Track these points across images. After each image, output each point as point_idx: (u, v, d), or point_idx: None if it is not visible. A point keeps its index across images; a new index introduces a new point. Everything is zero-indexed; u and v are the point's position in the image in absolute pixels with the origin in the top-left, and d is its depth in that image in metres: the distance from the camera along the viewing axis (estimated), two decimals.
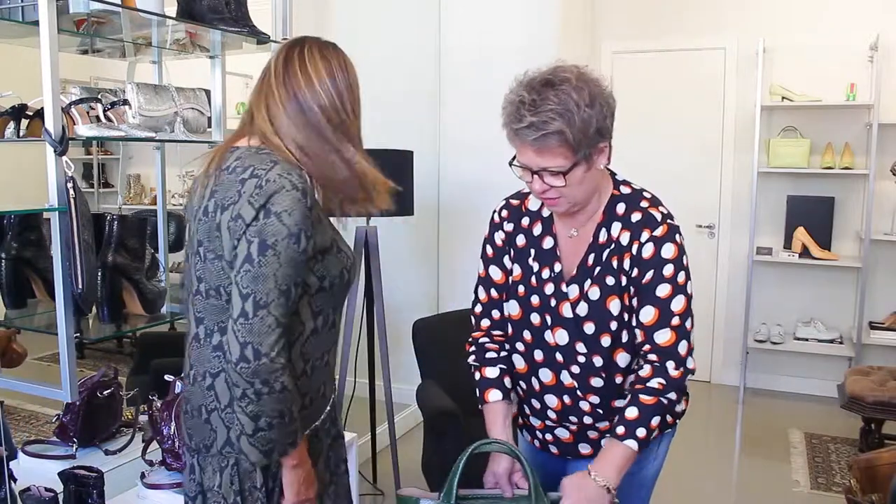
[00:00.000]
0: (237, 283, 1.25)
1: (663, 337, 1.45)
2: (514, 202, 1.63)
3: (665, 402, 1.44)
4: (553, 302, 1.52)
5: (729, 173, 4.83)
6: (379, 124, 3.91)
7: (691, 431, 4.20)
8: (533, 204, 1.60)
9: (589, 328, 1.49)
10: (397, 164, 3.00)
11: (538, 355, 1.56)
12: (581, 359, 1.51)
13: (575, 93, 1.36)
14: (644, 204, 1.50)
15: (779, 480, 3.50)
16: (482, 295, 1.66)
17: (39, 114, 1.70)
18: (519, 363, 1.61)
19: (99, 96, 1.87)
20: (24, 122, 1.79)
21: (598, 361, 1.50)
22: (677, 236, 1.48)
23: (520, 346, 1.60)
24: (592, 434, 1.59)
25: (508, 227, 1.62)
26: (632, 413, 1.43)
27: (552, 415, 1.59)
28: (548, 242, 1.56)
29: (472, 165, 4.04)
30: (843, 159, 4.43)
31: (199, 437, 1.40)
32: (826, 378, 4.60)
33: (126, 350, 3.93)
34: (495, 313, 1.65)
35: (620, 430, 1.43)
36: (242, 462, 1.35)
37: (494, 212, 1.66)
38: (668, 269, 1.45)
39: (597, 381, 1.51)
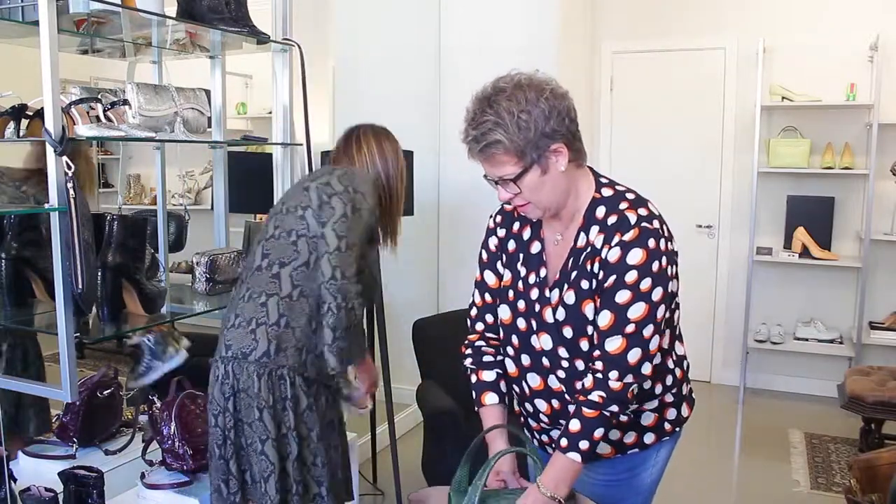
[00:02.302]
0: (334, 230, 1.73)
1: (613, 344, 1.41)
2: (508, 207, 1.62)
3: (607, 414, 1.41)
4: (537, 307, 1.53)
5: (729, 173, 4.83)
6: (379, 124, 3.94)
7: (691, 431, 4.18)
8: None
9: (568, 332, 1.48)
10: None
11: (525, 360, 1.57)
12: (565, 363, 1.50)
13: (507, 101, 1.39)
14: (623, 206, 1.46)
15: (779, 480, 3.50)
16: (478, 299, 1.68)
17: (39, 114, 1.70)
18: (510, 367, 1.62)
19: (99, 96, 1.87)
20: (24, 122, 1.79)
21: (580, 365, 1.48)
22: (651, 241, 1.41)
23: (510, 350, 1.60)
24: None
25: (501, 232, 1.64)
26: (574, 426, 1.42)
27: (544, 418, 1.59)
28: (535, 247, 1.57)
29: (472, 165, 4.01)
30: (843, 159, 4.43)
31: (239, 346, 1.75)
32: (826, 378, 4.60)
33: (126, 350, 3.93)
34: (489, 317, 1.66)
35: (563, 442, 1.43)
36: (275, 372, 1.74)
37: (490, 217, 1.68)
38: (632, 276, 1.40)
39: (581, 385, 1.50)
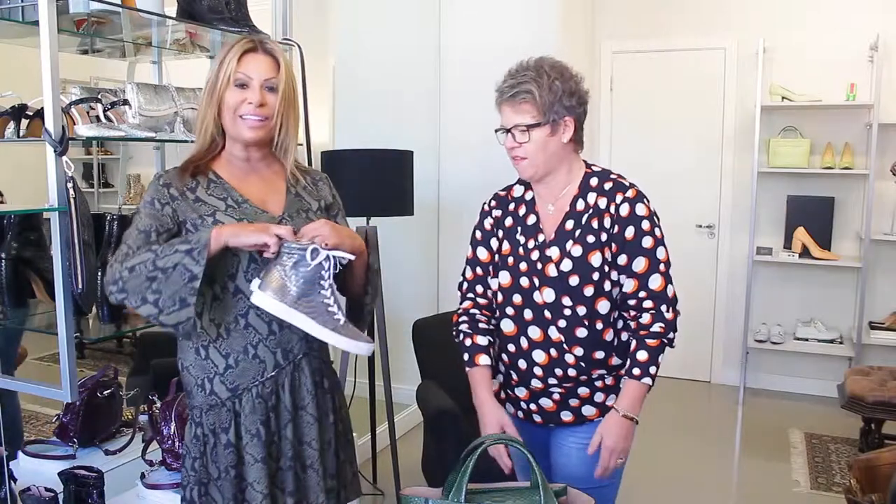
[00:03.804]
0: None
1: (656, 282, 1.69)
2: (501, 193, 1.88)
3: (666, 341, 1.70)
4: (539, 265, 1.74)
5: (729, 173, 4.83)
6: (379, 124, 3.95)
7: (691, 431, 4.21)
8: (517, 191, 1.85)
9: (573, 281, 1.70)
10: (397, 164, 3.00)
11: (528, 314, 1.75)
12: (567, 311, 1.71)
13: (549, 67, 1.69)
14: (613, 176, 1.77)
15: (779, 480, 3.50)
16: (469, 273, 1.88)
17: (39, 114, 1.70)
18: (508, 326, 1.79)
19: (99, 96, 1.87)
20: (24, 122, 1.79)
21: (581, 311, 1.70)
22: (645, 200, 1.72)
23: (510, 310, 1.78)
24: (574, 402, 1.77)
25: (497, 213, 1.86)
26: (643, 356, 1.68)
27: (538, 371, 1.75)
28: (531, 219, 1.80)
29: (472, 165, 4.04)
30: (843, 159, 4.43)
31: None
32: (826, 378, 4.60)
33: (126, 350, 3.93)
34: (479, 288, 1.87)
35: (636, 371, 1.69)
36: (191, 416, 1.60)
37: (484, 203, 1.90)
38: (646, 224, 1.70)
39: (581, 332, 1.71)
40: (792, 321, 4.73)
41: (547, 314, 1.72)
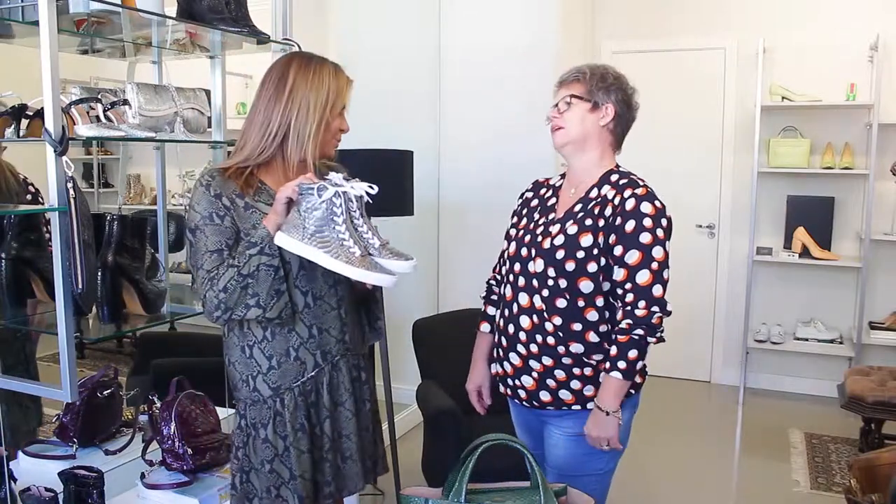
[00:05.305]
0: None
1: (643, 277, 1.74)
2: (541, 180, 2.08)
3: (636, 337, 1.74)
4: (539, 238, 1.88)
5: (729, 173, 4.83)
6: (379, 124, 3.95)
7: (691, 431, 4.21)
8: (553, 180, 2.04)
9: (560, 254, 1.81)
10: (397, 164, 3.00)
11: (521, 281, 1.89)
12: (550, 282, 1.82)
13: (611, 69, 1.91)
14: (632, 176, 1.86)
15: (779, 480, 3.50)
16: (503, 246, 2.05)
17: (39, 114, 1.69)
18: (507, 292, 1.94)
19: (99, 96, 1.87)
20: (24, 122, 1.79)
21: (563, 283, 1.81)
22: (657, 201, 1.78)
23: (511, 277, 1.94)
24: (551, 383, 1.86)
25: (529, 194, 2.07)
26: (613, 350, 1.76)
27: (522, 336, 1.87)
28: (551, 201, 1.97)
29: (472, 165, 4.04)
30: (843, 159, 4.44)
31: None
32: (826, 378, 4.60)
33: (126, 350, 3.93)
34: (502, 261, 2.06)
35: (607, 365, 1.77)
36: (237, 410, 1.71)
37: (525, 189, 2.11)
38: (648, 222, 1.75)
39: (561, 302, 1.81)
40: (792, 321, 4.74)
41: (535, 283, 1.85)
